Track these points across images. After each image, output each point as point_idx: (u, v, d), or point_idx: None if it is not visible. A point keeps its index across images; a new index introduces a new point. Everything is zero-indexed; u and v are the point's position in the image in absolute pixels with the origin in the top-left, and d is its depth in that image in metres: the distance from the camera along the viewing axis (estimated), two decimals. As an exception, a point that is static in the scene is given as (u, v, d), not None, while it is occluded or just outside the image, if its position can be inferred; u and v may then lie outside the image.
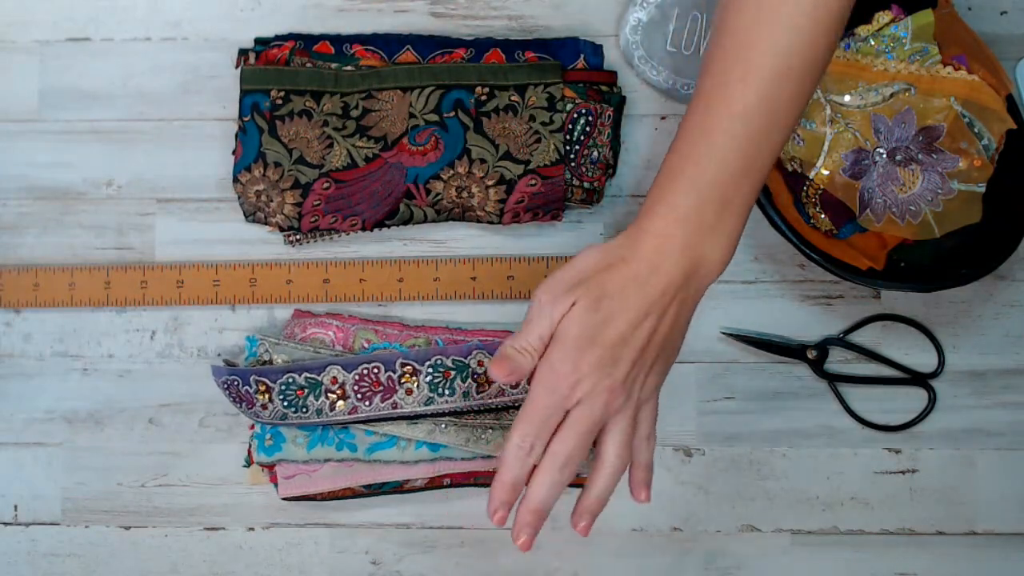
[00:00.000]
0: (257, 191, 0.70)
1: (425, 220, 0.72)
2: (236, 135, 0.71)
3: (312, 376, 0.69)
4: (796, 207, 0.70)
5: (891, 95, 0.68)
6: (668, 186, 0.55)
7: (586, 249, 0.56)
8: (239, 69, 0.72)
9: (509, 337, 0.56)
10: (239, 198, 0.71)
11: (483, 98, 0.70)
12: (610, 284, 0.55)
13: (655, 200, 0.56)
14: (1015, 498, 0.72)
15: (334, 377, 0.69)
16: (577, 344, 0.54)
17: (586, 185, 0.71)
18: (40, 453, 0.73)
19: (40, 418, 0.73)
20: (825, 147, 0.69)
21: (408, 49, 0.72)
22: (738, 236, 0.56)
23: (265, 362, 0.70)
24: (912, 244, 0.70)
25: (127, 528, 0.73)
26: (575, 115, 0.71)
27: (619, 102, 0.72)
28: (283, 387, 0.69)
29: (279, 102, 0.70)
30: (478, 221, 0.72)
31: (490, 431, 0.69)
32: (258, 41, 0.73)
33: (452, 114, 0.70)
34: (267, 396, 0.68)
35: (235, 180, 0.71)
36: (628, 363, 0.55)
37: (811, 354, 0.72)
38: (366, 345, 0.71)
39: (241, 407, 0.69)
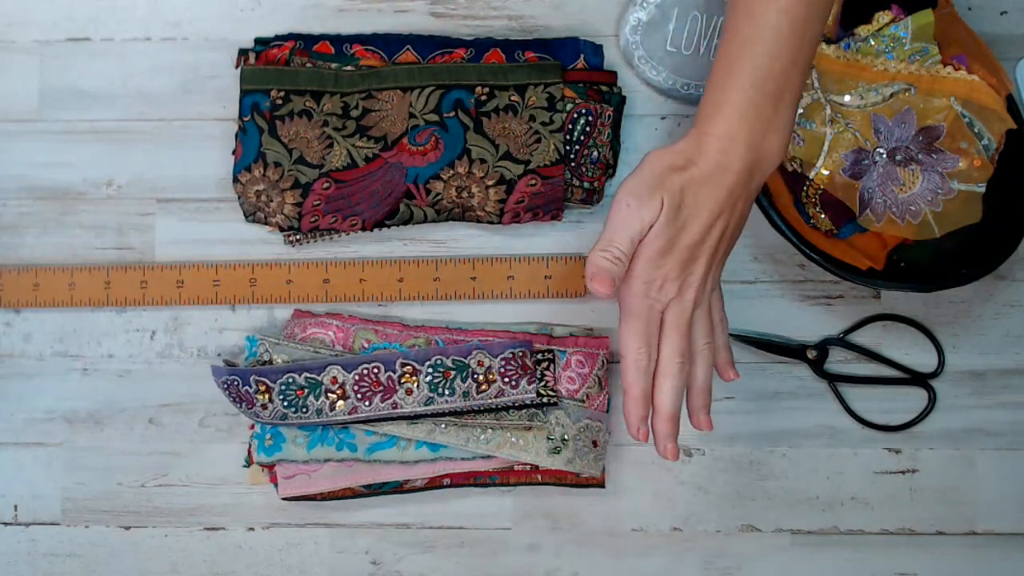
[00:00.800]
0: (257, 191, 0.70)
1: (425, 220, 0.72)
2: (236, 135, 0.71)
3: (312, 376, 0.69)
4: (796, 207, 0.70)
5: (891, 95, 0.68)
6: (724, 87, 0.58)
7: (650, 154, 0.59)
8: (239, 69, 0.72)
9: (597, 246, 0.58)
10: (239, 198, 0.71)
11: (483, 98, 0.70)
12: (685, 191, 0.58)
13: (714, 102, 0.59)
14: (1015, 498, 0.72)
15: (334, 377, 0.69)
16: (660, 253, 0.58)
17: (586, 185, 0.71)
18: (40, 453, 0.73)
19: (40, 418, 0.73)
20: (825, 147, 0.69)
21: (408, 49, 0.72)
22: (792, 127, 0.60)
23: (265, 362, 0.70)
24: (912, 244, 0.70)
25: (127, 528, 0.73)
26: (575, 115, 0.71)
27: (619, 102, 0.72)
28: (283, 387, 0.69)
29: (279, 102, 0.70)
30: (478, 221, 0.72)
31: (490, 431, 0.69)
32: (258, 41, 0.73)
33: (452, 114, 0.70)
34: (267, 396, 0.68)
35: (235, 180, 0.71)
36: (705, 261, 0.59)
37: (811, 354, 0.72)
38: (366, 345, 0.71)
39: (241, 407, 0.69)
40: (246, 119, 0.70)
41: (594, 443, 0.70)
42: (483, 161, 0.70)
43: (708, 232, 0.59)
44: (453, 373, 0.69)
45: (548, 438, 0.69)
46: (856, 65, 0.69)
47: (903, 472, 0.72)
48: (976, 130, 0.68)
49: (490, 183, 0.70)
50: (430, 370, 0.69)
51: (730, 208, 0.59)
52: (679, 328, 0.60)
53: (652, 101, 0.74)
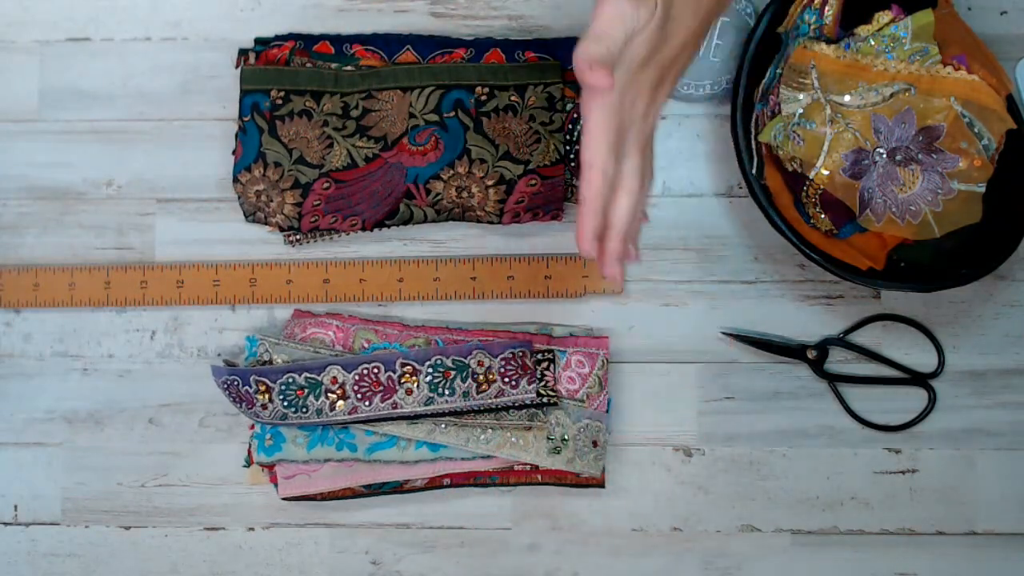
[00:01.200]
0: (257, 191, 0.70)
1: (425, 220, 0.72)
2: (236, 135, 0.71)
3: (312, 376, 0.69)
4: (796, 207, 0.70)
5: (891, 95, 0.68)
6: None
7: None
8: (239, 69, 0.72)
9: (587, 40, 0.54)
10: (239, 198, 0.71)
11: (483, 98, 0.70)
12: (675, 3, 0.55)
13: None
14: (1015, 498, 0.72)
15: (334, 377, 0.69)
16: (641, 64, 0.55)
17: (586, 185, 0.71)
18: (40, 453, 0.73)
19: (40, 418, 0.73)
20: (825, 147, 0.69)
21: (408, 49, 0.72)
22: None
23: (265, 362, 0.70)
24: (912, 244, 0.70)
25: (127, 528, 0.73)
26: (575, 115, 0.71)
27: (619, 102, 0.72)
28: (283, 387, 0.69)
29: (279, 102, 0.70)
30: (478, 221, 0.72)
31: (490, 431, 0.69)
32: (258, 41, 0.73)
33: (452, 114, 0.70)
34: (267, 396, 0.69)
35: (235, 180, 0.71)
36: (668, 87, 0.57)
37: (811, 354, 0.72)
38: (366, 345, 0.71)
39: (241, 407, 0.69)
40: (246, 119, 0.70)
41: (594, 443, 0.70)
42: (483, 161, 0.70)
43: (680, 53, 0.56)
44: (453, 373, 0.69)
45: (548, 438, 0.69)
46: (856, 65, 0.68)
47: (903, 472, 0.72)
48: (976, 130, 0.68)
49: (490, 183, 0.70)
50: (430, 370, 0.69)
51: (700, 35, 0.57)
52: (642, 150, 0.56)
53: (652, 101, 0.73)
